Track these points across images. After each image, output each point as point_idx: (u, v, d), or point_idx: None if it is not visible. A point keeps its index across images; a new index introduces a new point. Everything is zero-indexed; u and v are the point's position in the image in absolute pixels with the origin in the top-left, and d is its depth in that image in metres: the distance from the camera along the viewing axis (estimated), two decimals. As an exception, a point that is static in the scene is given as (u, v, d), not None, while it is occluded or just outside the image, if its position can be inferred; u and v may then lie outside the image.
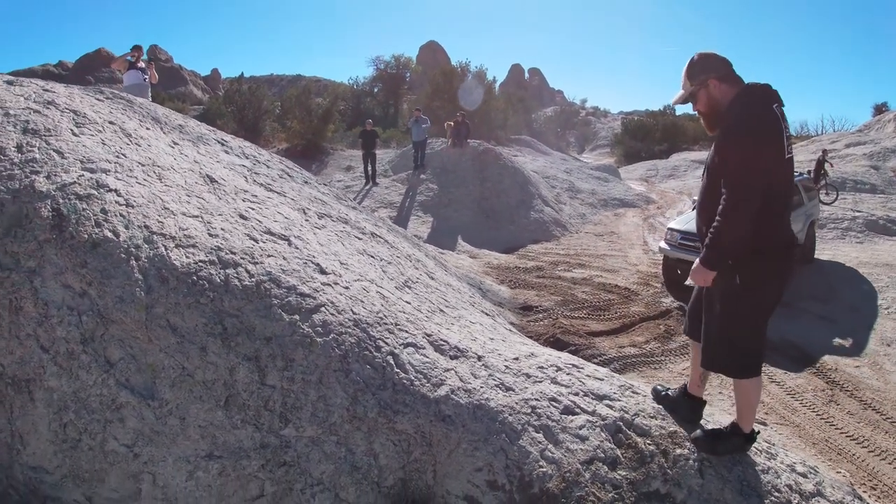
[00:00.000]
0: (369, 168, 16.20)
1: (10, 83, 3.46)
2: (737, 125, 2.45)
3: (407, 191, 15.77)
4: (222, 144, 4.12)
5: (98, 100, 3.55)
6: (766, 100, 2.50)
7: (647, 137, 38.59)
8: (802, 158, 25.13)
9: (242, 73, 62.31)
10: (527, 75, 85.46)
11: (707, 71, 2.61)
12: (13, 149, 2.68)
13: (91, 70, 51.03)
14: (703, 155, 28.78)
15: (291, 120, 21.61)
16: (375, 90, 36.38)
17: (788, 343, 7.75)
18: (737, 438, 2.72)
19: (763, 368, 6.90)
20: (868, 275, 10.83)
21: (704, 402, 2.97)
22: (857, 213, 17.38)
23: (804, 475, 2.96)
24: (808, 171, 18.92)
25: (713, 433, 2.77)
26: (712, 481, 2.58)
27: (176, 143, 3.58)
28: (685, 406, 2.98)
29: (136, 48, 8.74)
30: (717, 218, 2.45)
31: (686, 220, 9.83)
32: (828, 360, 7.41)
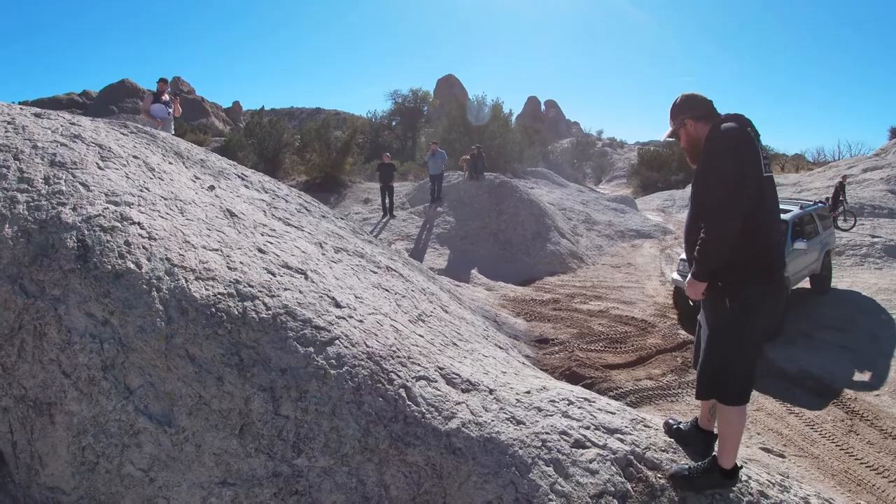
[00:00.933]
0: (387, 201, 16.41)
1: (38, 115, 3.62)
2: (716, 145, 2.58)
3: (424, 223, 15.90)
4: (242, 179, 4.24)
5: (123, 134, 3.70)
6: (739, 123, 2.63)
7: (663, 168, 38.60)
8: (819, 185, 24.98)
9: (263, 107, 63.86)
10: (543, 107, 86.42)
11: (684, 111, 2.80)
12: (41, 181, 2.81)
13: (115, 100, 52.78)
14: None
15: (311, 153, 22.02)
16: (393, 123, 37.00)
17: (807, 374, 7.69)
18: (715, 475, 2.66)
19: (781, 401, 6.78)
20: (887, 301, 10.71)
21: (716, 436, 2.92)
22: (875, 239, 17.15)
23: None
24: (827, 199, 18.80)
25: (692, 469, 2.72)
26: (723, 517, 2.55)
27: (198, 178, 3.70)
28: (697, 440, 2.97)
29: (163, 81, 9.12)
30: (703, 232, 2.56)
31: None
32: (847, 389, 7.32)
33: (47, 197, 2.70)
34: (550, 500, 2.44)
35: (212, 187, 3.61)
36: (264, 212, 3.84)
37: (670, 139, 2.98)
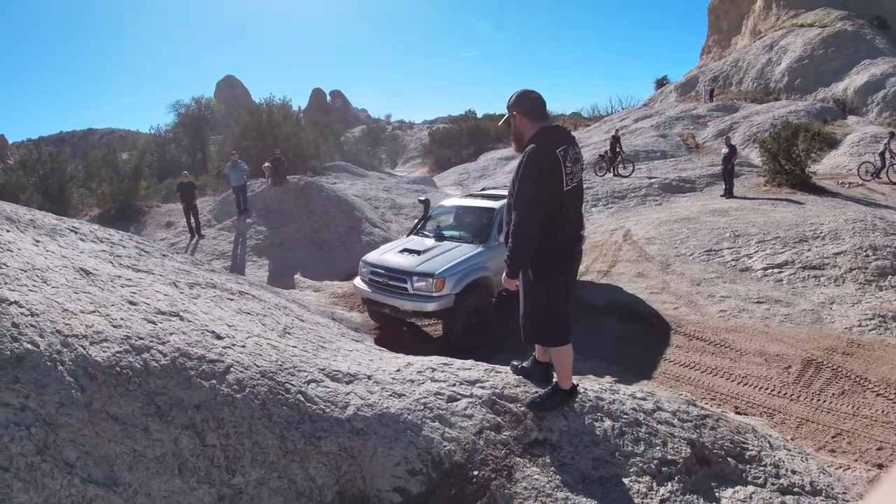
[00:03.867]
0: (192, 221, 15.65)
1: None
2: (526, 164, 3.16)
3: (236, 237, 15.50)
4: (75, 232, 4.14)
5: None
6: (551, 143, 3.18)
7: (454, 144, 41.20)
8: (598, 139, 28.62)
9: (40, 137, 55.27)
10: (329, 98, 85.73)
11: (516, 105, 3.34)
12: None
13: None
14: (508, 152, 31.38)
15: (99, 183, 20.04)
16: (180, 136, 34.45)
17: (612, 302, 8.98)
18: (559, 395, 3.46)
19: (597, 326, 8.09)
20: (669, 231, 12.45)
21: (552, 365, 3.65)
22: (652, 180, 19.76)
23: (644, 399, 3.83)
24: (606, 152, 21.72)
25: (541, 396, 3.48)
26: (575, 420, 3.39)
27: (38, 241, 3.60)
28: (538, 372, 3.74)
29: None
30: (510, 239, 3.24)
31: (384, 250, 8.88)
32: (648, 309, 8.67)
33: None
34: (444, 446, 3.06)
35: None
36: (111, 262, 3.85)
37: (504, 124, 3.49)
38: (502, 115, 3.57)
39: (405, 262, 7.94)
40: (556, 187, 3.18)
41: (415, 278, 7.54)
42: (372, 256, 8.58)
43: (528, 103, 3.33)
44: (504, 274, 3.39)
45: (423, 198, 10.36)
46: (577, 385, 3.60)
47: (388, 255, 8.43)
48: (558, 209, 3.24)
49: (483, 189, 11.11)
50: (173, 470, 2.49)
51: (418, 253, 8.12)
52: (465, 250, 8.03)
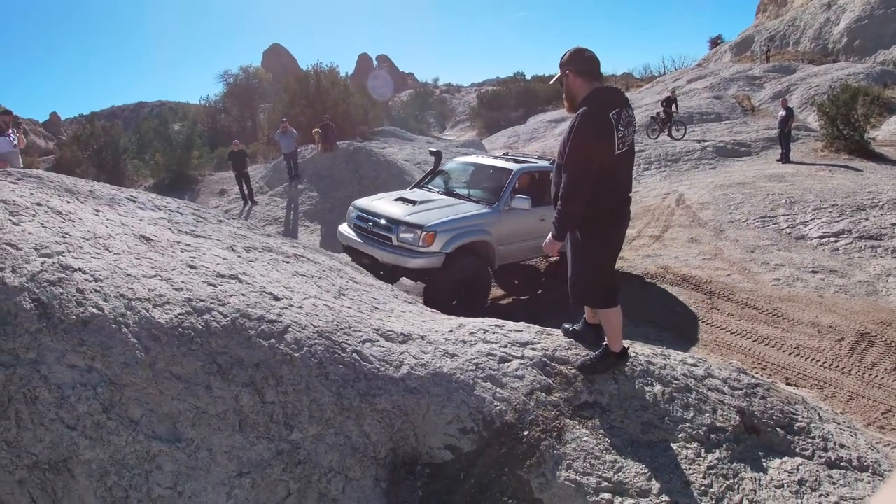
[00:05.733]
0: (244, 188, 16.04)
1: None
2: (578, 127, 3.08)
3: (288, 203, 15.82)
4: (134, 201, 4.29)
5: (13, 183, 3.62)
6: (604, 107, 3.09)
7: (503, 106, 40.58)
8: (650, 101, 27.76)
9: (92, 113, 57.29)
10: (375, 63, 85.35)
11: (569, 64, 3.22)
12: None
13: None
14: (558, 114, 30.59)
15: (153, 154, 20.81)
16: (229, 106, 35.23)
17: (664, 268, 8.81)
18: (610, 358, 3.41)
19: (648, 292, 7.91)
20: (723, 196, 12.19)
21: (602, 327, 3.60)
22: (707, 143, 19.16)
23: (695, 365, 3.77)
24: (658, 113, 20.98)
25: (591, 358, 3.44)
26: (626, 384, 3.35)
27: (98, 210, 3.74)
28: (589, 334, 3.71)
29: (6, 112, 8.42)
30: (559, 200, 3.18)
31: (378, 196, 8.02)
32: (701, 274, 8.48)
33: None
34: (496, 406, 3.07)
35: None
36: (170, 229, 3.98)
37: (557, 84, 3.38)
38: (552, 76, 3.46)
39: (395, 210, 7.06)
40: (607, 150, 3.11)
41: (401, 228, 6.67)
42: (362, 201, 7.75)
43: (582, 62, 3.22)
44: (549, 236, 3.34)
45: (434, 149, 9.51)
46: (628, 348, 3.56)
47: (380, 201, 7.55)
48: (609, 172, 3.17)
49: (506, 153, 10.19)
50: (234, 426, 2.59)
51: (413, 203, 7.22)
52: (468, 208, 7.13)
